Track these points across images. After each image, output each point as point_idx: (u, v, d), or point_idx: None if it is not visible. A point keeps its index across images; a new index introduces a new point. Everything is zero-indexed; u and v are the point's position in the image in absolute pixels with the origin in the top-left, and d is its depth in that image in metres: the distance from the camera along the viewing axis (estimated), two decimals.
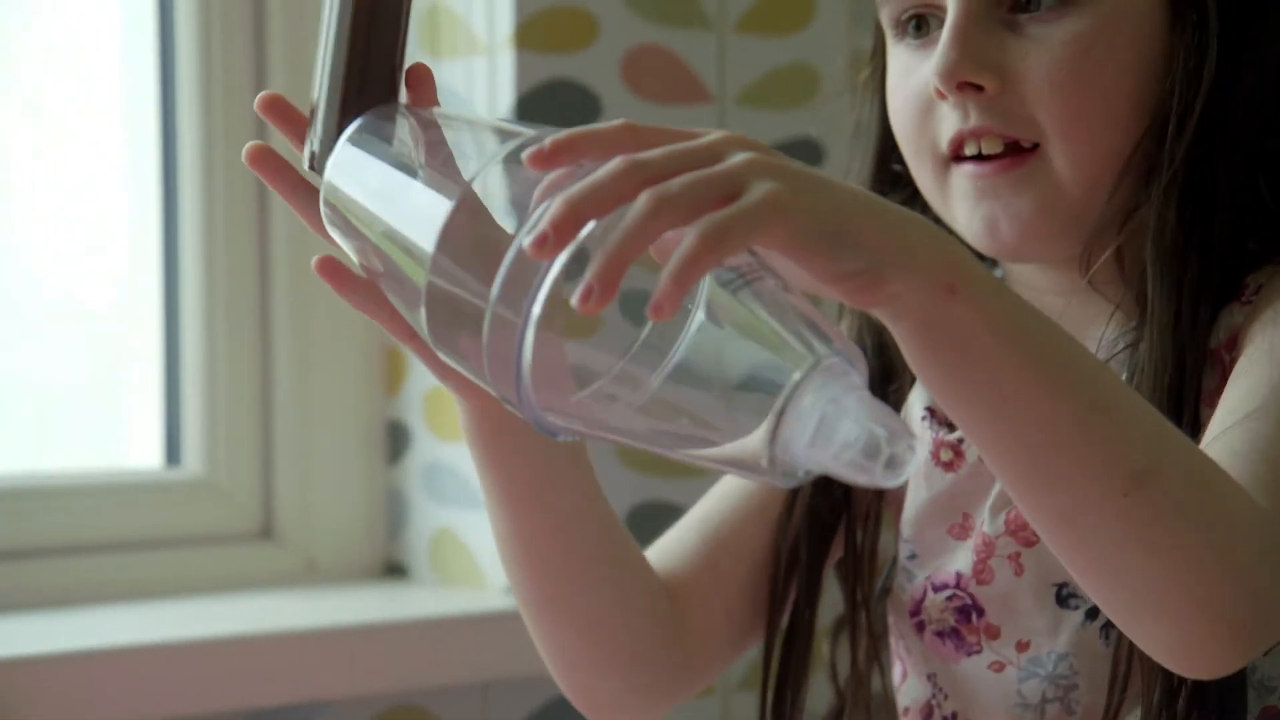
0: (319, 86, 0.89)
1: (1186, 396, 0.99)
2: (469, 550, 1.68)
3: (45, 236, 1.69)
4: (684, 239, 0.71)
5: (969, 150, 1.03)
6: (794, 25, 1.76)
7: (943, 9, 1.03)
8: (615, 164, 0.73)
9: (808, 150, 1.74)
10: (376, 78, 0.88)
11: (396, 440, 1.75)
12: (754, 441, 0.73)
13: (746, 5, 1.74)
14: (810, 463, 0.72)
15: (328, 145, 0.88)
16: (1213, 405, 0.97)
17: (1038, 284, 1.09)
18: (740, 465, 0.74)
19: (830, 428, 0.71)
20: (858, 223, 0.76)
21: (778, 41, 1.75)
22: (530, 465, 1.00)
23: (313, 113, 0.90)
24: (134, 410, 1.72)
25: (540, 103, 1.64)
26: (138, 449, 1.71)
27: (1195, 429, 0.97)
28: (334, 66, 0.88)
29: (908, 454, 0.71)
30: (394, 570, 1.75)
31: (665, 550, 1.14)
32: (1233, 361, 0.98)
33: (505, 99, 1.64)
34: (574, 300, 0.71)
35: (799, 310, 0.75)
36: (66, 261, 1.70)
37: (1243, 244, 1.02)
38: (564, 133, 0.76)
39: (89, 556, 1.61)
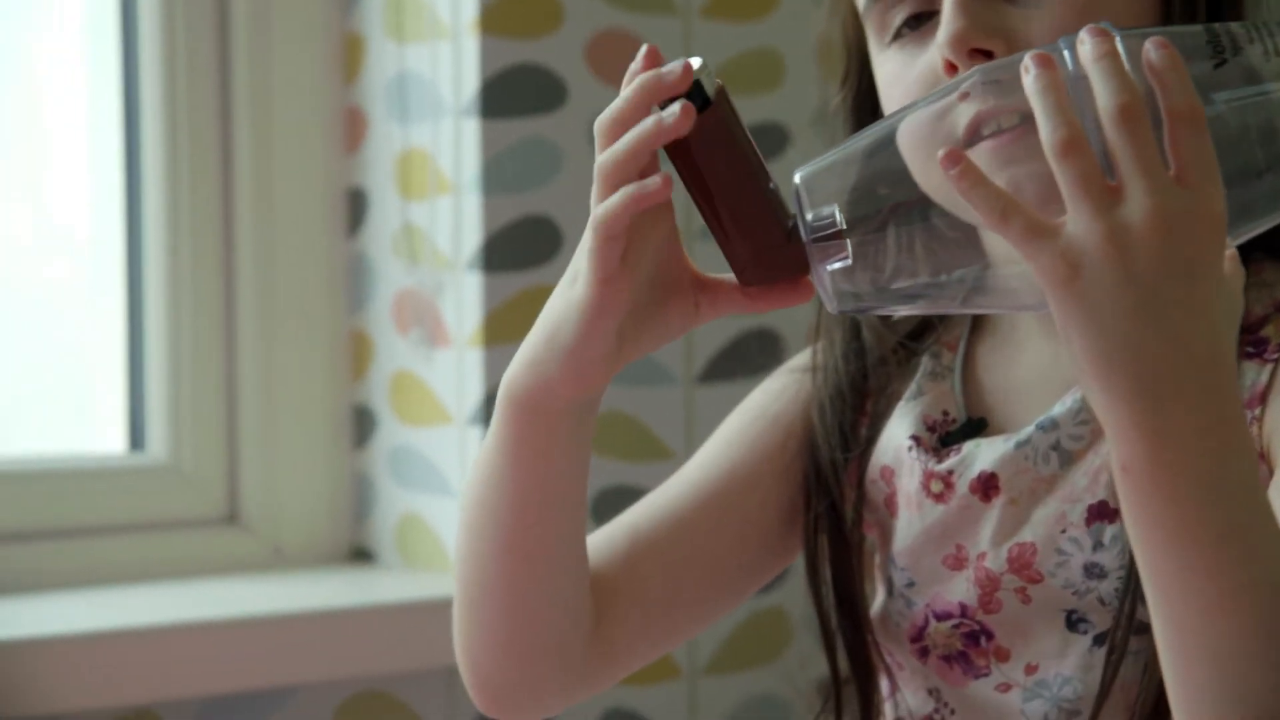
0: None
1: None
2: (435, 535, 1.68)
3: (6, 220, 1.68)
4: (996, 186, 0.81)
5: (987, 130, 0.99)
6: (760, 11, 1.77)
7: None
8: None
9: (774, 135, 1.75)
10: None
11: (362, 425, 1.75)
12: None
13: None
14: None
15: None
16: None
17: None
18: None
19: None
20: (1082, 344, 0.80)
21: (743, 26, 1.75)
22: (559, 443, 0.98)
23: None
24: (98, 395, 1.71)
25: (505, 87, 1.64)
26: (102, 434, 1.70)
27: None
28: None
29: None
30: (360, 555, 1.75)
31: (593, 547, 1.11)
32: (1254, 422, 0.98)
33: (470, 84, 1.64)
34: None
35: None
36: (29, 246, 1.70)
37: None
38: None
39: (54, 542, 1.61)
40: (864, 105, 1.12)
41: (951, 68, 1.00)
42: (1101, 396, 0.81)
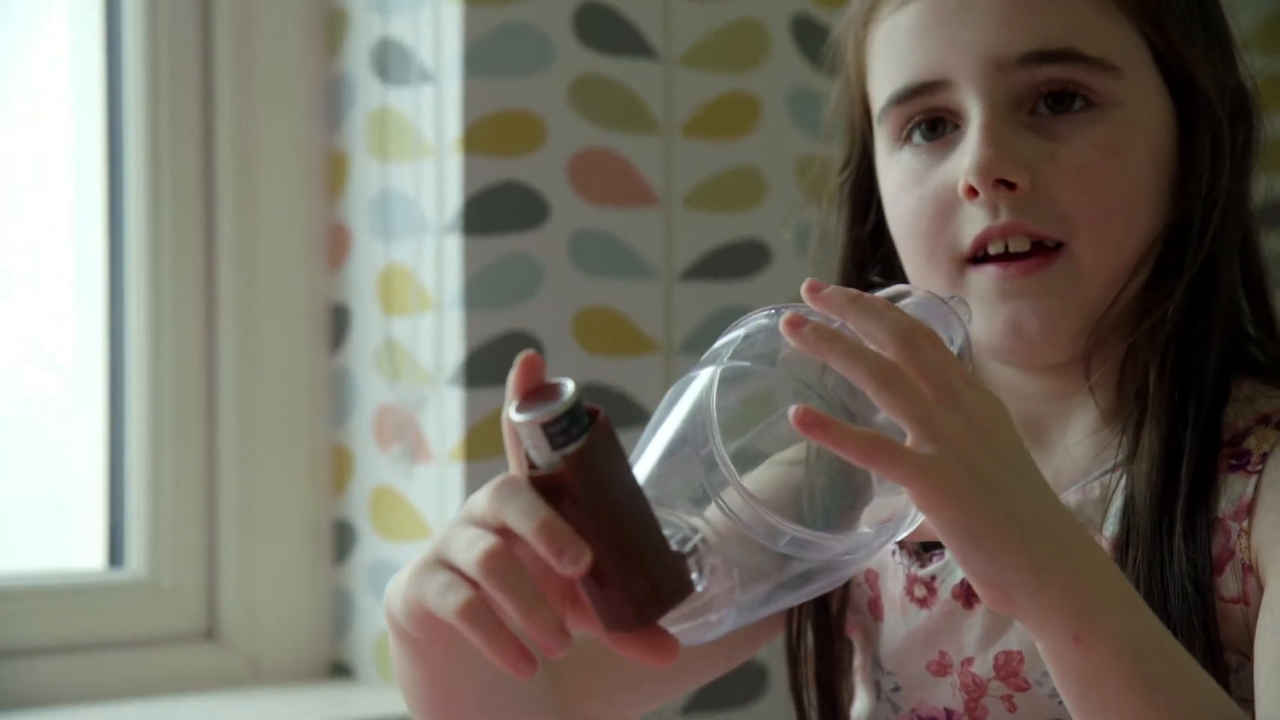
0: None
1: (1178, 495, 1.00)
2: None
3: None
4: (857, 429, 0.79)
5: (994, 249, 1.02)
6: (740, 129, 1.78)
7: (958, 113, 1.04)
8: (891, 361, 0.82)
9: (753, 251, 1.76)
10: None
11: (342, 540, 1.75)
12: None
13: (692, 109, 1.76)
14: None
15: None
16: (1220, 573, 0.98)
17: (1024, 390, 1.08)
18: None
19: None
20: (994, 538, 0.81)
21: (723, 145, 1.77)
22: (449, 655, 0.94)
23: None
24: (77, 512, 1.71)
25: (488, 205, 1.65)
26: (81, 551, 1.70)
27: (1192, 536, 0.98)
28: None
29: None
30: (339, 671, 1.74)
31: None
32: (1241, 535, 0.98)
33: (453, 201, 1.65)
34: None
35: None
36: (10, 362, 1.70)
37: (1233, 358, 1.04)
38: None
39: (32, 659, 1.60)
40: (863, 187, 1.13)
41: (972, 192, 1.01)
42: (1032, 580, 0.81)
